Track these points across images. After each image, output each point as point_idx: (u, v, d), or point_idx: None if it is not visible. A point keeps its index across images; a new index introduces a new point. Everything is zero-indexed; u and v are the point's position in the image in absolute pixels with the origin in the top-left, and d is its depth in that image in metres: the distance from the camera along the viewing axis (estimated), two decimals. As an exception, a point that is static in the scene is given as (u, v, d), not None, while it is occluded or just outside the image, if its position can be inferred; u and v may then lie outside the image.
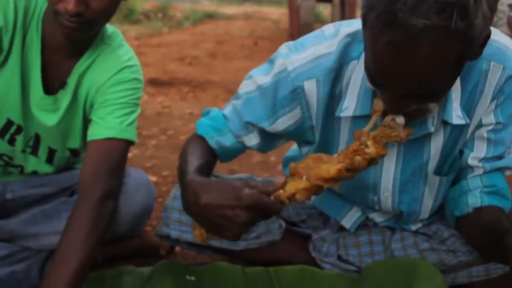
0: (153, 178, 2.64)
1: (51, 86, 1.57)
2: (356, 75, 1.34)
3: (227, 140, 1.44)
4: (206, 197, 1.16)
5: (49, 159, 1.68)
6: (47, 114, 1.59)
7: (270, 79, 1.38)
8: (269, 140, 1.47)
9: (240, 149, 1.48)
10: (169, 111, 4.16)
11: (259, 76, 1.41)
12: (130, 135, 1.58)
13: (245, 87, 1.44)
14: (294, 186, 1.18)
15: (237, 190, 1.14)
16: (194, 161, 1.32)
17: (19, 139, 1.62)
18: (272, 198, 1.16)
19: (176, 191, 1.66)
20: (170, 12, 10.34)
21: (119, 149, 1.56)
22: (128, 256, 1.86)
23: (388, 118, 1.20)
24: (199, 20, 9.79)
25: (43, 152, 1.66)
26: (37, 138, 1.63)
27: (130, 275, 1.58)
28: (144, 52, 6.56)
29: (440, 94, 1.18)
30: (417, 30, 1.01)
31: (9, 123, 1.59)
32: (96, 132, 1.55)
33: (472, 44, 1.08)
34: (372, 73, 1.14)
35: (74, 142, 1.67)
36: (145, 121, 3.78)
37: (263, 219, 1.17)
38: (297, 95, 1.37)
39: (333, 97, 1.38)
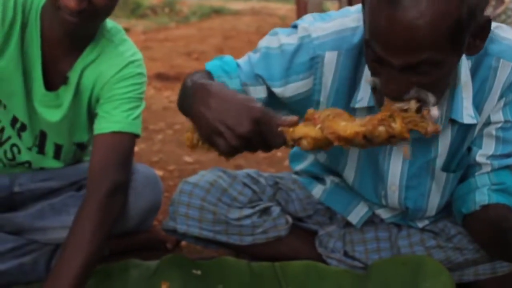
0: (159, 173, 2.64)
1: (53, 81, 1.57)
2: None
3: (233, 84, 1.37)
4: (217, 98, 1.11)
5: (56, 155, 1.69)
6: (50, 110, 1.60)
7: (293, 41, 1.35)
8: (274, 103, 1.41)
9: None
10: (176, 105, 4.14)
11: (284, 36, 1.37)
12: (136, 128, 1.59)
13: (266, 41, 1.40)
14: (305, 131, 1.12)
15: (250, 101, 1.11)
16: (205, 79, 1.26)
17: (25, 136, 1.62)
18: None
19: (182, 185, 1.66)
20: (177, 7, 10.34)
21: (126, 142, 1.57)
22: (134, 250, 1.87)
23: (424, 111, 1.16)
24: (206, 15, 9.79)
25: (49, 148, 1.67)
26: (43, 135, 1.64)
27: (137, 268, 1.59)
28: (151, 47, 6.56)
29: (439, 71, 1.15)
30: None
31: (15, 120, 1.60)
32: (103, 126, 1.55)
33: (470, 14, 1.09)
34: (370, 41, 1.14)
35: (80, 136, 1.68)
36: (151, 116, 3.78)
37: (261, 148, 1.11)
38: (315, 64, 1.35)
39: (350, 80, 1.37)
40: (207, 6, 10.47)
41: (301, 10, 7.44)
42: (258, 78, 1.38)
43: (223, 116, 1.09)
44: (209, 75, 1.34)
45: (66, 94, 1.58)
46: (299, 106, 1.41)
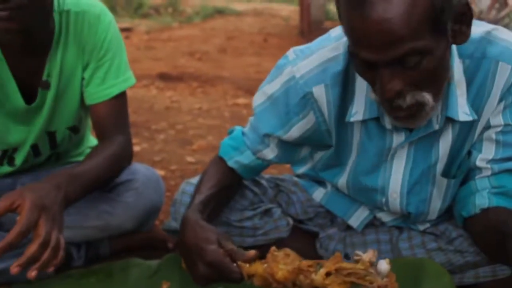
0: (161, 172, 2.65)
1: (30, 92, 1.55)
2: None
3: (246, 158, 1.51)
4: (185, 237, 1.29)
5: (52, 145, 1.69)
6: (33, 120, 1.59)
7: (279, 87, 1.41)
8: (288, 149, 1.51)
9: (260, 165, 1.54)
10: (178, 105, 4.17)
11: (268, 86, 1.44)
12: (129, 80, 1.63)
13: (257, 100, 1.48)
14: (256, 268, 1.19)
15: (204, 243, 1.24)
16: (204, 190, 1.45)
17: (18, 156, 1.64)
18: (236, 265, 1.20)
19: (185, 186, 1.66)
20: (180, 7, 10.34)
21: (124, 98, 1.64)
22: (136, 249, 1.87)
23: (369, 255, 1.14)
24: (209, 16, 9.79)
25: (44, 148, 1.67)
26: (35, 148, 1.65)
27: (138, 268, 1.59)
28: (154, 47, 6.57)
29: (427, 62, 1.15)
30: None
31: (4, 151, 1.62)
32: (100, 95, 1.59)
33: None
34: (352, 49, 1.17)
35: (72, 120, 1.67)
36: (154, 116, 3.79)
37: (224, 281, 1.24)
38: (308, 101, 1.39)
39: (344, 100, 1.39)
40: (210, 6, 10.47)
41: (304, 12, 7.44)
42: (264, 139, 1.48)
43: (187, 256, 1.29)
44: (222, 163, 1.52)
45: (48, 94, 1.57)
46: (313, 140, 1.48)
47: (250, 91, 4.63)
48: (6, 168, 1.65)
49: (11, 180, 1.70)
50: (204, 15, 9.76)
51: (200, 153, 3.10)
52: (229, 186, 1.53)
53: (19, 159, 1.64)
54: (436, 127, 1.37)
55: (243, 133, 1.52)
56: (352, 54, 1.19)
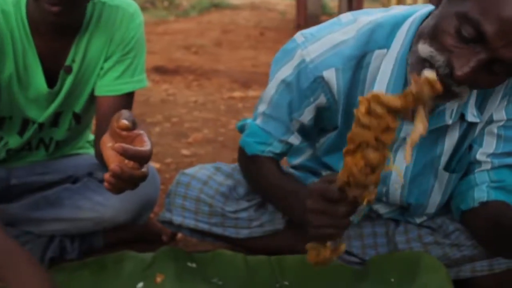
0: (156, 165, 2.63)
1: (52, 76, 1.56)
2: (386, 65, 1.33)
3: (277, 148, 1.51)
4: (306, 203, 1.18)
5: (54, 122, 1.68)
6: (53, 102, 1.60)
7: (292, 71, 1.40)
8: (307, 132, 1.52)
9: (291, 148, 1.54)
10: (174, 98, 4.16)
11: (280, 72, 1.43)
12: (142, 82, 1.64)
13: (271, 89, 1.47)
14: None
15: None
16: (285, 181, 1.46)
17: (28, 130, 1.63)
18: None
19: (180, 177, 1.65)
20: (176, 0, 10.30)
21: (132, 99, 1.65)
22: (130, 242, 1.86)
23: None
24: (205, 9, 9.76)
25: (47, 127, 1.67)
26: (41, 125, 1.63)
27: (132, 260, 1.58)
28: (149, 40, 6.51)
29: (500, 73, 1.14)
30: None
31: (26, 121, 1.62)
32: (115, 88, 1.59)
33: None
34: (478, 19, 1.09)
35: (79, 106, 1.67)
36: (149, 108, 3.77)
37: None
38: (319, 84, 1.38)
39: (355, 84, 1.37)
40: (207, 0, 10.44)
41: (301, 6, 7.42)
42: (289, 125, 1.47)
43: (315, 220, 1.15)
44: (259, 159, 1.51)
45: (67, 78, 1.58)
46: (324, 119, 1.47)
47: (246, 85, 4.61)
48: (17, 139, 1.65)
49: (5, 173, 1.69)
50: (200, 8, 9.72)
51: (196, 146, 3.09)
52: (281, 167, 1.54)
53: (28, 133, 1.64)
54: (449, 121, 1.36)
55: (261, 128, 1.51)
56: (465, 16, 1.10)
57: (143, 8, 9.36)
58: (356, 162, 1.05)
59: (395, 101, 1.00)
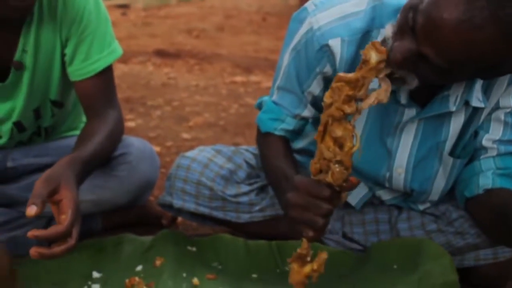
0: (157, 149, 2.62)
1: (4, 70, 1.49)
2: None
3: (289, 124, 1.48)
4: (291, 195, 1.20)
5: (37, 120, 1.64)
6: (14, 96, 1.54)
7: (300, 38, 1.38)
8: (320, 105, 1.45)
9: (305, 124, 1.51)
10: (175, 82, 4.14)
11: (292, 42, 1.41)
12: (115, 52, 1.56)
13: (284, 61, 1.44)
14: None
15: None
16: (282, 161, 1.43)
17: (2, 132, 1.59)
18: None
19: (180, 159, 1.63)
20: (178, -16, 10.24)
21: (111, 71, 1.57)
22: (129, 225, 1.84)
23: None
24: (207, -6, 9.70)
25: (29, 124, 1.62)
26: (18, 124, 1.60)
27: (131, 243, 1.56)
28: (151, 23, 6.51)
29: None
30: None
31: None
32: (84, 71, 1.52)
33: None
34: (418, 13, 1.09)
35: (54, 93, 1.61)
36: (150, 92, 3.75)
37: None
38: (324, 53, 1.36)
39: (358, 59, 1.34)
40: (209, -16, 10.37)
41: (304, -9, 7.37)
42: (302, 97, 1.44)
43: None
44: (272, 137, 1.49)
45: (24, 73, 1.51)
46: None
47: (248, 69, 4.59)
48: (5, 139, 1.62)
49: (1, 156, 1.66)
50: (202, -7, 9.66)
51: (196, 130, 3.07)
52: (290, 151, 1.51)
53: (4, 135, 1.60)
54: (453, 108, 1.34)
55: (275, 103, 1.48)
56: (412, 8, 1.11)
57: (145, -9, 9.31)
58: (325, 144, 1.11)
59: (351, 74, 1.09)
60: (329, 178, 1.12)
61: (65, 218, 1.20)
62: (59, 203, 1.23)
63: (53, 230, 1.19)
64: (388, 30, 1.17)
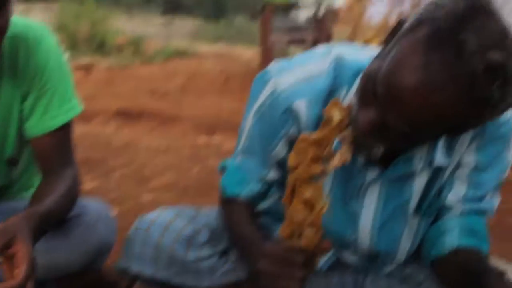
0: (116, 210, 2.56)
1: None
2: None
3: (254, 188, 1.44)
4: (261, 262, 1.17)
5: None
6: None
7: (264, 99, 1.37)
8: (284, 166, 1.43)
9: (270, 186, 1.46)
10: (136, 143, 4.11)
11: (255, 103, 1.39)
12: (74, 109, 1.51)
13: (247, 122, 1.42)
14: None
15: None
16: (249, 231, 1.38)
17: None
18: None
19: (138, 223, 1.58)
20: (142, 46, 10.37)
21: (69, 128, 1.52)
22: (84, 292, 1.76)
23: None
24: (171, 56, 9.83)
25: None
26: None
27: (85, 311, 1.48)
28: (114, 84, 6.51)
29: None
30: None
31: None
32: (42, 127, 1.48)
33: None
34: (380, 84, 1.08)
35: (10, 151, 1.55)
36: (111, 152, 3.73)
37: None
38: (289, 115, 1.34)
39: (322, 121, 1.34)
40: (172, 47, 10.51)
41: (267, 53, 7.51)
42: (265, 159, 1.40)
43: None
44: (236, 203, 1.44)
45: None
46: None
47: (210, 131, 4.60)
48: None
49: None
50: (165, 55, 9.78)
51: (157, 192, 3.03)
52: (254, 214, 1.46)
53: None
54: (417, 168, 1.34)
55: (239, 167, 1.45)
56: (372, 77, 1.10)
57: (109, 53, 9.38)
58: (294, 207, 1.09)
59: (314, 134, 1.09)
60: (302, 243, 1.09)
61: (18, 272, 1.12)
62: (12, 257, 1.16)
63: (6, 285, 1.10)
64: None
